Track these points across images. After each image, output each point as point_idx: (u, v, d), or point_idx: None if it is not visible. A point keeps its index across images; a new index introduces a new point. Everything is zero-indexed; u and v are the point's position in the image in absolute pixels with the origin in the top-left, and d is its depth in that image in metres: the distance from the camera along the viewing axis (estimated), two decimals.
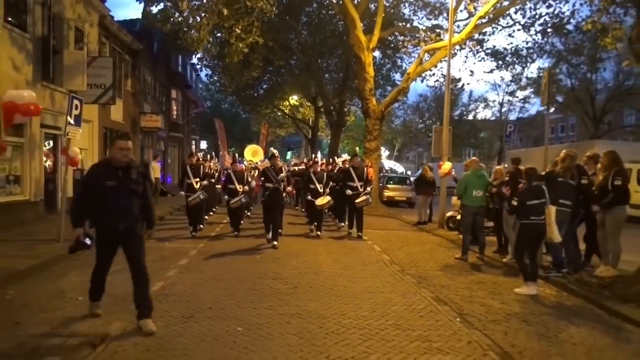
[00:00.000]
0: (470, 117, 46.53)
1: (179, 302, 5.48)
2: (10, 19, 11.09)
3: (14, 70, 11.20)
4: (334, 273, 7.36)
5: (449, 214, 12.61)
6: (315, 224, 11.44)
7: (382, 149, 46.57)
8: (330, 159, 17.09)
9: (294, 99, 36.12)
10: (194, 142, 39.12)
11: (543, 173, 7.46)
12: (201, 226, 11.47)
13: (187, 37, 14.97)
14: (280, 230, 10.28)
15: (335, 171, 13.85)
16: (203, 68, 28.22)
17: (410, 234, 12.60)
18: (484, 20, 17.49)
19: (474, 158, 9.78)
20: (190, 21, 14.40)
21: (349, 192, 11.18)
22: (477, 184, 8.70)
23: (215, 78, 30.59)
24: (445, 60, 16.61)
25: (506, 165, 10.73)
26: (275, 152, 10.94)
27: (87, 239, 4.54)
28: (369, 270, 7.72)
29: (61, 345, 4.09)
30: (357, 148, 20.98)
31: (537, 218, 6.48)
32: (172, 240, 9.96)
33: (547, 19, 18.35)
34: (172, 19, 14.65)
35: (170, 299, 5.62)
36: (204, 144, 46.84)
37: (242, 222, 11.84)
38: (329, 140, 35.59)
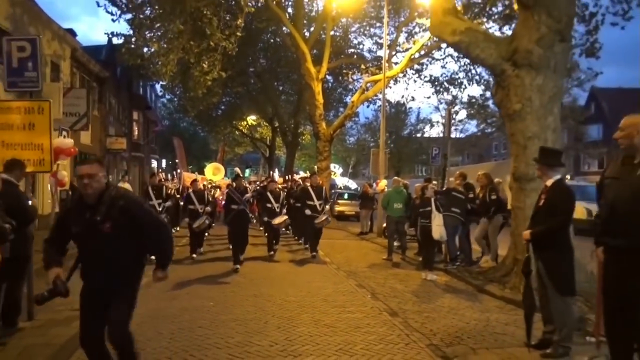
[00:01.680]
0: (419, 135, 49.73)
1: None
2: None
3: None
4: (284, 270, 9.34)
5: (384, 225, 14.80)
6: (274, 242, 11.18)
7: (337, 166, 49.07)
8: (287, 177, 19.04)
9: (251, 119, 38.03)
10: (154, 161, 40.24)
11: (443, 189, 9.74)
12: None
13: (155, 70, 16.72)
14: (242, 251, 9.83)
15: (296, 188, 14.26)
16: (166, 94, 29.68)
17: (352, 242, 14.69)
18: (421, 53, 20.16)
19: (395, 178, 12.08)
20: (157, 57, 16.09)
21: (308, 212, 11.02)
22: (398, 199, 10.91)
23: (176, 100, 32.27)
24: (389, 87, 19.22)
25: (451, 179, 12.73)
26: (239, 172, 11.67)
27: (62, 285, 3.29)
28: (312, 268, 9.75)
29: None
30: (315, 167, 23.05)
31: (425, 221, 8.77)
32: None
33: None
34: (139, 56, 16.29)
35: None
36: (163, 163, 47.85)
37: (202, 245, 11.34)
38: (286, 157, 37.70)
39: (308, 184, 11.81)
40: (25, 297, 5.50)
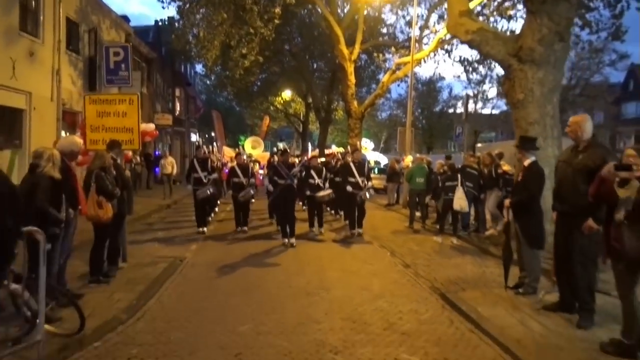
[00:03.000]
0: (451, 111, 50.12)
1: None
2: (70, 46, 14.41)
3: (72, 84, 14.56)
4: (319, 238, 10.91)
5: (408, 197, 16.16)
6: (318, 224, 11.09)
7: (368, 141, 50.07)
8: (320, 151, 20.21)
9: (286, 95, 39.43)
10: (193, 135, 42.23)
11: (459, 166, 11.00)
12: (209, 218, 11.55)
13: (200, 53, 18.29)
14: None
15: (335, 163, 14.16)
16: (207, 72, 31.26)
17: (379, 212, 16.10)
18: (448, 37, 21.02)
19: (418, 155, 13.34)
20: (202, 43, 17.60)
21: (349, 188, 10.68)
22: (419, 174, 12.25)
23: (214, 78, 33.98)
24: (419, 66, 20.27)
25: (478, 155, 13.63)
26: (286, 146, 11.92)
27: None
28: (342, 234, 11.28)
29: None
30: (366, 140, 24.12)
31: (448, 195, 10.07)
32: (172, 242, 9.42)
33: None
34: (187, 42, 17.85)
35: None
36: (196, 137, 49.81)
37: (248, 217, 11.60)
38: (319, 132, 39.09)
39: (350, 160, 11.45)
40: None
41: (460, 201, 10.09)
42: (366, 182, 10.78)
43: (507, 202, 6.01)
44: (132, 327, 4.87)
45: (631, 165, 3.88)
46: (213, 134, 49.77)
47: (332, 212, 14.17)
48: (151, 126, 9.28)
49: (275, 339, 4.58)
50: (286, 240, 9.37)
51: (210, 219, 11.88)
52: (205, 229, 10.76)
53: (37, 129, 12.52)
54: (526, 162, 5.87)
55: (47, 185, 4.73)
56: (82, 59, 15.23)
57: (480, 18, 16.35)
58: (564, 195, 4.93)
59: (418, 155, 13.51)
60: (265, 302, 5.73)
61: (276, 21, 16.93)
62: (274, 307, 5.56)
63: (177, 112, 33.09)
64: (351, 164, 11.01)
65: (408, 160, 16.11)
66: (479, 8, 16.77)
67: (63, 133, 13.69)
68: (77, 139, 5.97)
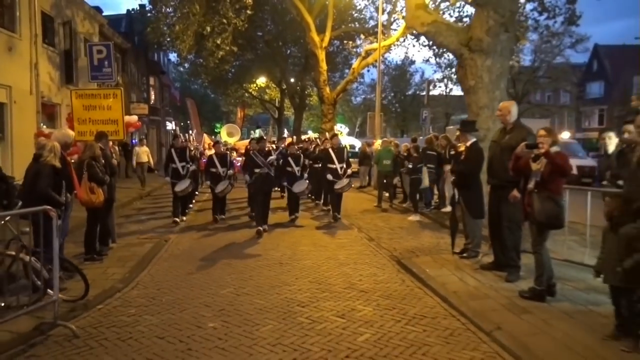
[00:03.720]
0: (424, 94, 51.14)
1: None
2: (46, 40, 14.75)
3: (49, 78, 14.94)
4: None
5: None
6: (295, 210, 10.81)
7: (343, 126, 50.89)
8: (294, 137, 20.91)
9: (261, 82, 39.83)
10: (168, 123, 42.34)
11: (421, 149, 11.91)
12: (184, 219, 10.71)
13: (174, 44, 18.72)
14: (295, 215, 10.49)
15: (312, 149, 14.11)
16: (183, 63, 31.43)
17: (351, 194, 16.66)
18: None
19: (384, 139, 14.23)
20: (176, 34, 18.04)
21: (329, 176, 10.72)
22: (386, 156, 13.13)
23: (187, 66, 34.16)
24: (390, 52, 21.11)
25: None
26: (262, 133, 11.50)
27: None
28: (314, 214, 12.09)
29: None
30: (341, 125, 24.95)
31: (415, 176, 11.01)
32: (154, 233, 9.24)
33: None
34: (161, 35, 18.24)
35: None
36: (174, 125, 49.82)
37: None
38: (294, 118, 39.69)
39: (329, 146, 11.37)
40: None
41: (424, 180, 11.04)
42: (345, 169, 10.81)
43: (452, 178, 6.91)
44: (127, 294, 5.62)
45: (538, 143, 4.78)
46: (189, 122, 50.01)
47: (312, 197, 13.91)
48: (134, 118, 9.93)
49: (252, 298, 5.39)
50: (260, 228, 9.17)
51: (187, 210, 11.42)
52: (183, 218, 10.61)
53: (18, 121, 12.94)
54: (468, 143, 6.75)
55: (49, 172, 5.42)
56: (58, 52, 15.57)
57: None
58: (494, 170, 5.84)
59: (385, 139, 14.31)
60: (243, 271, 6.54)
61: (248, 12, 17.44)
62: (252, 275, 6.37)
63: (152, 101, 33.28)
64: (330, 150, 11.05)
65: (377, 143, 16.98)
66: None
67: (42, 125, 14.14)
68: (70, 132, 6.62)
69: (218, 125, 57.02)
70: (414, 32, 24.06)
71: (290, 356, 3.93)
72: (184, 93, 49.20)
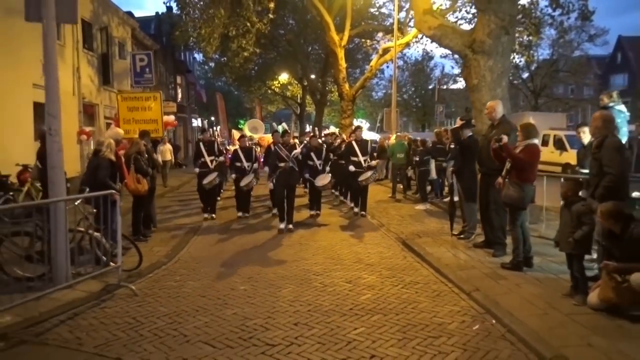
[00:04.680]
0: (445, 88, 51.52)
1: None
2: (85, 45, 16.07)
3: (89, 80, 16.26)
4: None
5: None
6: (315, 207, 10.73)
7: (363, 121, 51.66)
8: (314, 131, 21.68)
9: (283, 79, 40.96)
10: (194, 120, 43.81)
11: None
12: (213, 216, 10.53)
13: (200, 46, 19.87)
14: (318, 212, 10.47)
15: (335, 142, 13.58)
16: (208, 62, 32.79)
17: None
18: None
19: (399, 134, 15.07)
20: (203, 37, 19.17)
21: (352, 168, 10.44)
22: (400, 150, 14.01)
23: (212, 64, 35.50)
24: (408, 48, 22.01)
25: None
26: (286, 127, 9.78)
27: None
28: (333, 202, 13.09)
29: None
30: (361, 120, 25.84)
31: (424, 168, 11.91)
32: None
33: None
34: (189, 37, 19.39)
35: None
36: (199, 122, 51.32)
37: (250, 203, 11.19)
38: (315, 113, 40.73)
39: (352, 139, 11.10)
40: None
41: (431, 172, 11.94)
42: (369, 161, 10.59)
43: (450, 168, 7.81)
44: (171, 266, 6.73)
45: (501, 138, 5.69)
46: (213, 118, 51.49)
47: (337, 193, 13.58)
48: (171, 117, 11.03)
49: (275, 269, 6.43)
50: (282, 225, 8.97)
51: (213, 215, 10.65)
52: (213, 215, 10.44)
53: (63, 120, 14.23)
54: (464, 137, 7.64)
55: (107, 164, 6.56)
56: (96, 56, 16.89)
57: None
58: (483, 160, 6.73)
59: (399, 133, 15.19)
60: (268, 249, 7.62)
61: (270, 15, 18.45)
62: (275, 252, 7.45)
63: (179, 99, 34.72)
64: (354, 143, 10.79)
65: (393, 138, 17.86)
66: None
67: (83, 123, 15.48)
68: (120, 130, 7.78)
69: (242, 121, 58.43)
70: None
71: (305, 308, 4.95)
72: (208, 90, 50.70)
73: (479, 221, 7.77)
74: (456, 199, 8.21)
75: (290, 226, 9.05)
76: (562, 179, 6.03)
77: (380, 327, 4.44)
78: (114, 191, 5.75)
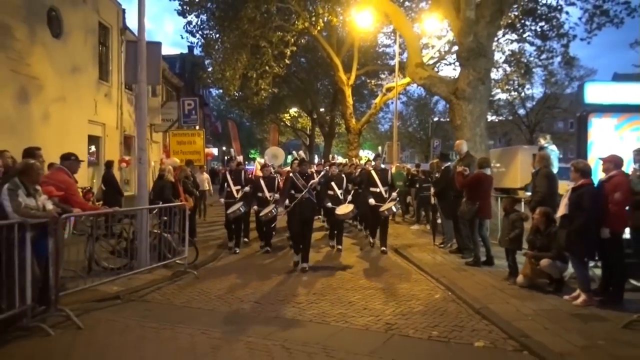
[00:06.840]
0: (448, 120, 53.85)
1: None
2: (127, 86, 18.56)
3: (128, 116, 18.68)
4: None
5: None
6: (335, 236, 10.25)
7: (370, 152, 53.93)
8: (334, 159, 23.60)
9: (293, 111, 43.56)
10: (212, 149, 46.15)
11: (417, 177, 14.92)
12: (246, 240, 10.65)
13: (222, 86, 22.38)
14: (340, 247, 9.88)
15: (353, 171, 13.40)
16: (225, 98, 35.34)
17: None
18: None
19: (397, 164, 17.25)
20: (226, 79, 21.69)
21: (372, 201, 9.76)
22: (399, 178, 16.11)
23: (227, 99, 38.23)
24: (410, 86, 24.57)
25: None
26: (303, 155, 10.00)
27: None
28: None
29: None
30: (380, 148, 27.77)
31: (424, 194, 14.05)
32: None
33: None
34: (212, 78, 21.90)
35: None
36: (215, 151, 53.77)
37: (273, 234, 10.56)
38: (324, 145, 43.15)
39: (370, 168, 10.67)
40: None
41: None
42: (390, 192, 9.89)
43: (433, 192, 9.92)
44: (216, 264, 8.85)
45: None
46: (224, 148, 53.90)
47: (357, 224, 13.44)
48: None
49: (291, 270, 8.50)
50: (297, 258, 8.38)
51: (246, 240, 10.79)
52: (236, 249, 9.90)
53: (108, 150, 16.60)
54: (443, 167, 9.77)
55: (169, 186, 8.73)
56: (134, 95, 19.32)
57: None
58: (454, 186, 8.84)
59: (397, 164, 17.38)
60: (285, 268, 9.68)
61: (287, 61, 20.94)
62: (285, 278, 9.50)
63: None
64: (373, 172, 10.19)
65: (394, 168, 20.03)
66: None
67: (123, 152, 17.81)
68: (177, 159, 9.98)
69: (252, 151, 61.04)
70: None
71: (320, 285, 7.00)
72: (221, 120, 53.25)
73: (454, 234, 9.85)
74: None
75: (305, 266, 8.14)
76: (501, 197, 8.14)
77: (372, 296, 6.49)
78: (185, 203, 7.90)
